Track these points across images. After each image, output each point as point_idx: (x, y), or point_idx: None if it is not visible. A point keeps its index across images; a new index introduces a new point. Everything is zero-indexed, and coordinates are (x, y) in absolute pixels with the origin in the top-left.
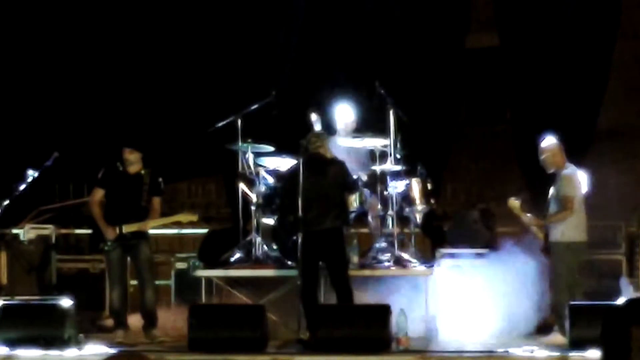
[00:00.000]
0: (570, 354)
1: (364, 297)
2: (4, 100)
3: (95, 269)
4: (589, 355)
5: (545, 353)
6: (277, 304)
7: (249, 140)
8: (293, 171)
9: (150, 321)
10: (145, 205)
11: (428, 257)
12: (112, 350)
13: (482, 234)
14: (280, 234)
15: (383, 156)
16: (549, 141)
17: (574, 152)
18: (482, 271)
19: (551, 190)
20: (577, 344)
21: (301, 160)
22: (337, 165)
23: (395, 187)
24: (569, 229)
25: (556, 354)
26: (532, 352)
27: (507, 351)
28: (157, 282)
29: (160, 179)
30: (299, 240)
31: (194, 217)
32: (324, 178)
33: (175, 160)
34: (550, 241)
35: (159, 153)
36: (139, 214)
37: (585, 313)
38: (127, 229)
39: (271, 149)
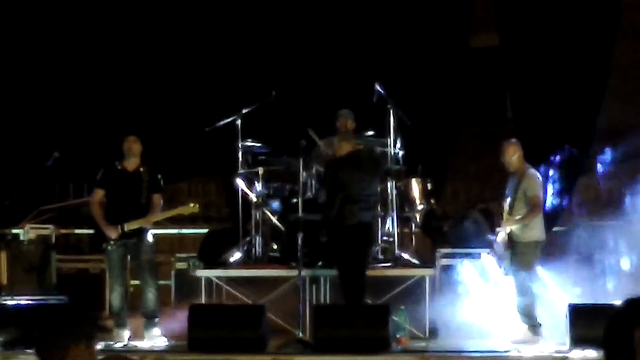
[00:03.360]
0: (570, 354)
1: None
2: (4, 100)
3: (95, 269)
4: (589, 355)
5: (545, 353)
6: (277, 304)
7: (249, 140)
8: (333, 166)
9: (150, 321)
10: (146, 203)
11: (428, 257)
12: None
13: (482, 234)
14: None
15: (383, 156)
16: (513, 142)
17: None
18: (482, 271)
19: (510, 191)
20: (577, 343)
21: (341, 156)
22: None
23: (396, 187)
24: (539, 229)
25: (556, 354)
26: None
27: (508, 351)
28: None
29: (160, 176)
30: (337, 234)
31: (194, 208)
32: (363, 172)
33: (175, 160)
34: (519, 242)
35: (159, 153)
36: (139, 212)
37: (585, 313)
38: (128, 226)
39: (271, 149)
